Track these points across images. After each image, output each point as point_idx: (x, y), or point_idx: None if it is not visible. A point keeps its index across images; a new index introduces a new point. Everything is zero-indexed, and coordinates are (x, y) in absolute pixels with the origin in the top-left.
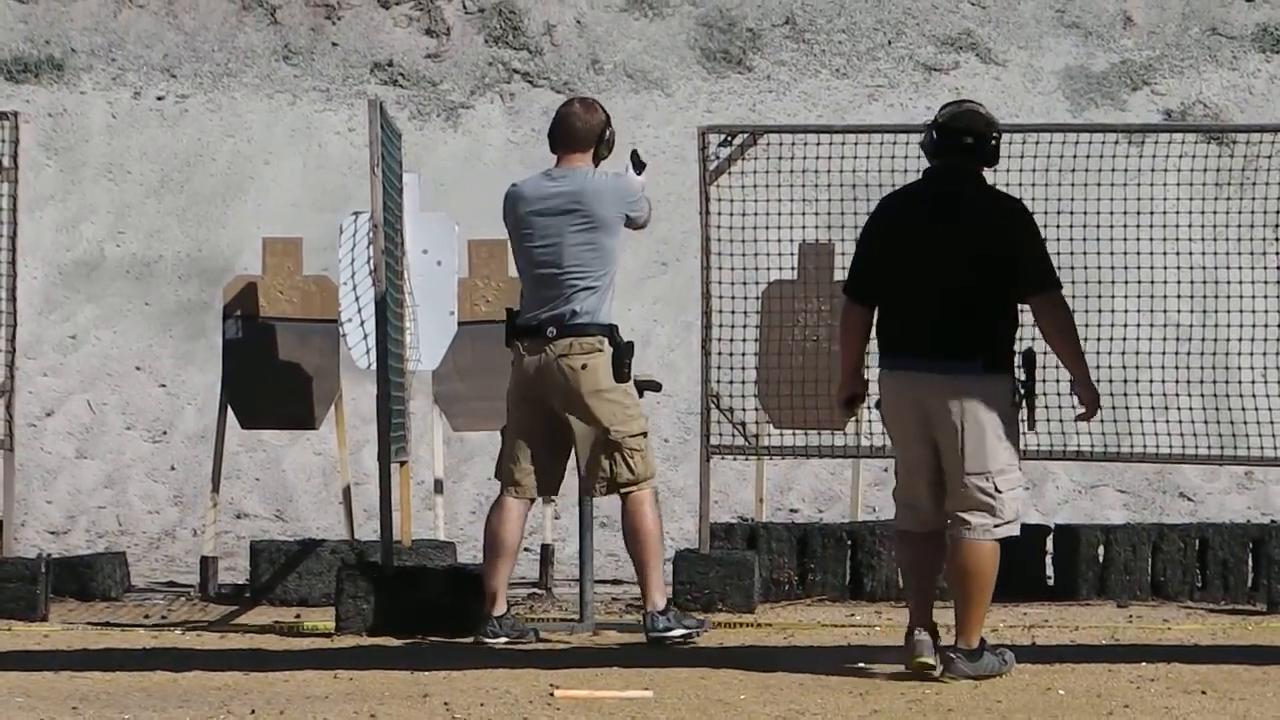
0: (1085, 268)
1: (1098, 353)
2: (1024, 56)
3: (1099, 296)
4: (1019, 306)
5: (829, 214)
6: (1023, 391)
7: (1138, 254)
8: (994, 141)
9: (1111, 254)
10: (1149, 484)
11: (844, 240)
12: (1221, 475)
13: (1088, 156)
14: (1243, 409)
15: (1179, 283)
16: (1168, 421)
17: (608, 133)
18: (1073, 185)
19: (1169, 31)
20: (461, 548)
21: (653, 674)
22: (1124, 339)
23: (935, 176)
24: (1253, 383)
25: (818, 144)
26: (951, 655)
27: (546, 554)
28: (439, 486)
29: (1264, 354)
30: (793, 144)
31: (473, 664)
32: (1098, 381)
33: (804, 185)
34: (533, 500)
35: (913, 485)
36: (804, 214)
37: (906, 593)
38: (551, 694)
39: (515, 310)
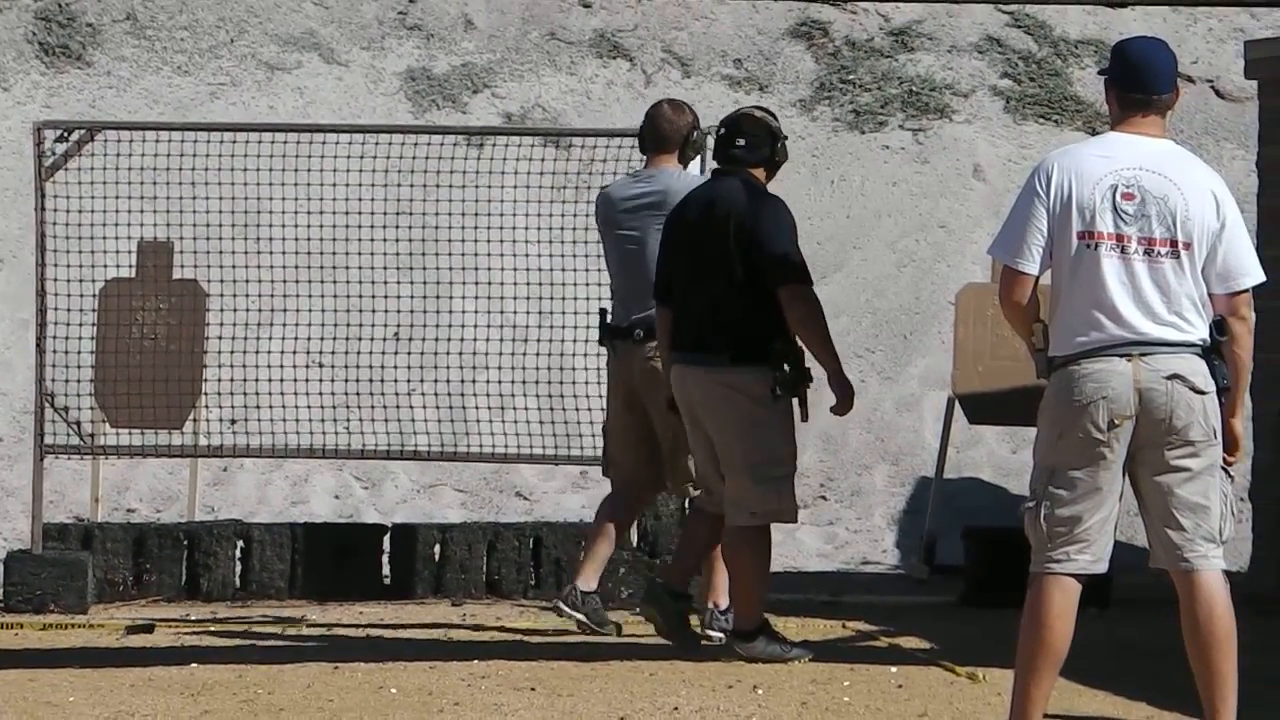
0: (425, 269)
1: (436, 353)
2: (366, 57)
3: (438, 297)
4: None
5: (169, 212)
6: (785, 383)
7: (476, 255)
8: (771, 143)
9: (450, 254)
10: (486, 483)
11: (183, 239)
12: (557, 475)
13: (428, 158)
14: (576, 409)
15: (517, 284)
16: (503, 421)
17: (695, 134)
18: (412, 187)
19: (509, 35)
20: None
21: None
22: (463, 339)
23: (712, 179)
24: (587, 384)
25: (157, 141)
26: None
27: None
28: None
29: (599, 355)
30: (131, 141)
31: None
32: (435, 382)
33: (143, 183)
34: (636, 492)
35: (700, 469)
36: (143, 211)
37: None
38: None
39: (606, 310)
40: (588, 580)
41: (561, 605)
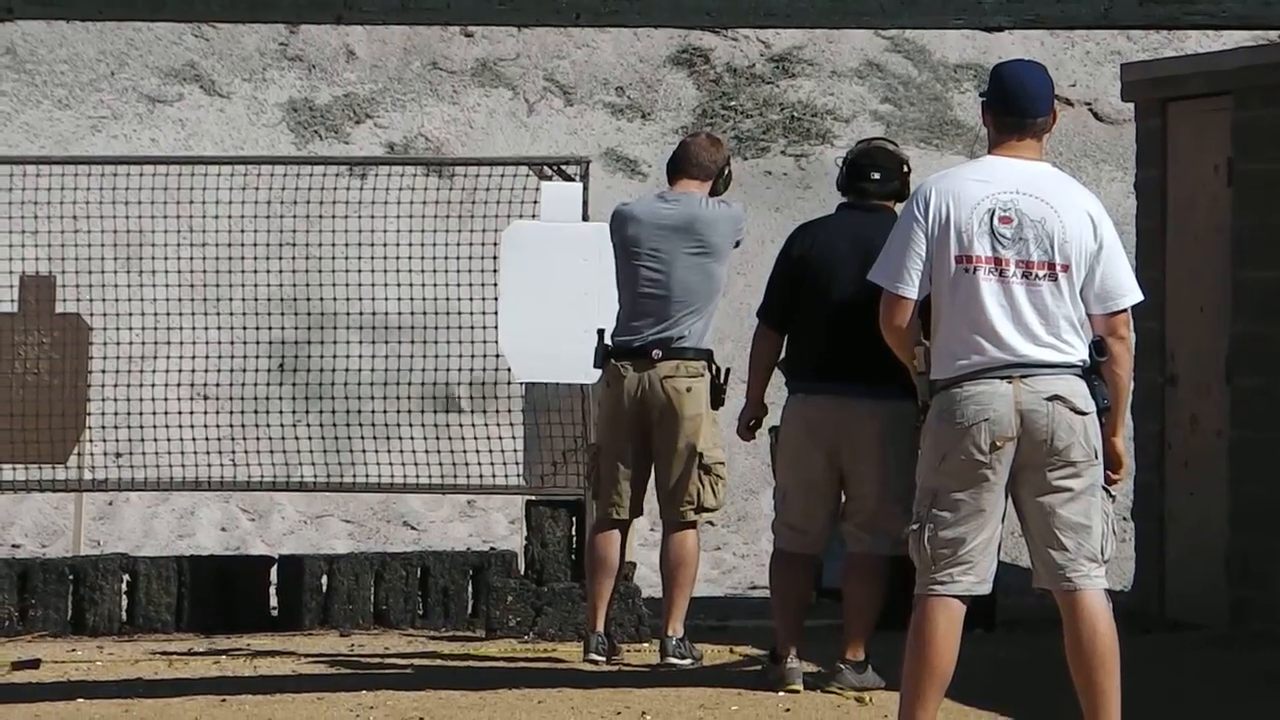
0: (309, 299)
1: (321, 384)
2: (248, 89)
3: (322, 328)
4: None
5: (50, 245)
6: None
7: (360, 285)
8: (902, 178)
9: (334, 285)
10: (374, 513)
11: (64, 272)
12: (444, 504)
13: (310, 189)
14: (463, 438)
15: (401, 314)
16: (389, 451)
17: (728, 170)
18: (295, 218)
19: (391, 65)
20: None
21: None
22: (347, 369)
23: (846, 209)
24: (472, 412)
25: (38, 175)
26: (840, 666)
27: None
28: None
29: (483, 384)
30: (12, 175)
31: None
32: (320, 412)
33: (24, 217)
34: (630, 520)
35: (808, 510)
36: (25, 245)
37: (778, 615)
38: None
39: (603, 331)
40: (672, 625)
41: (673, 660)
